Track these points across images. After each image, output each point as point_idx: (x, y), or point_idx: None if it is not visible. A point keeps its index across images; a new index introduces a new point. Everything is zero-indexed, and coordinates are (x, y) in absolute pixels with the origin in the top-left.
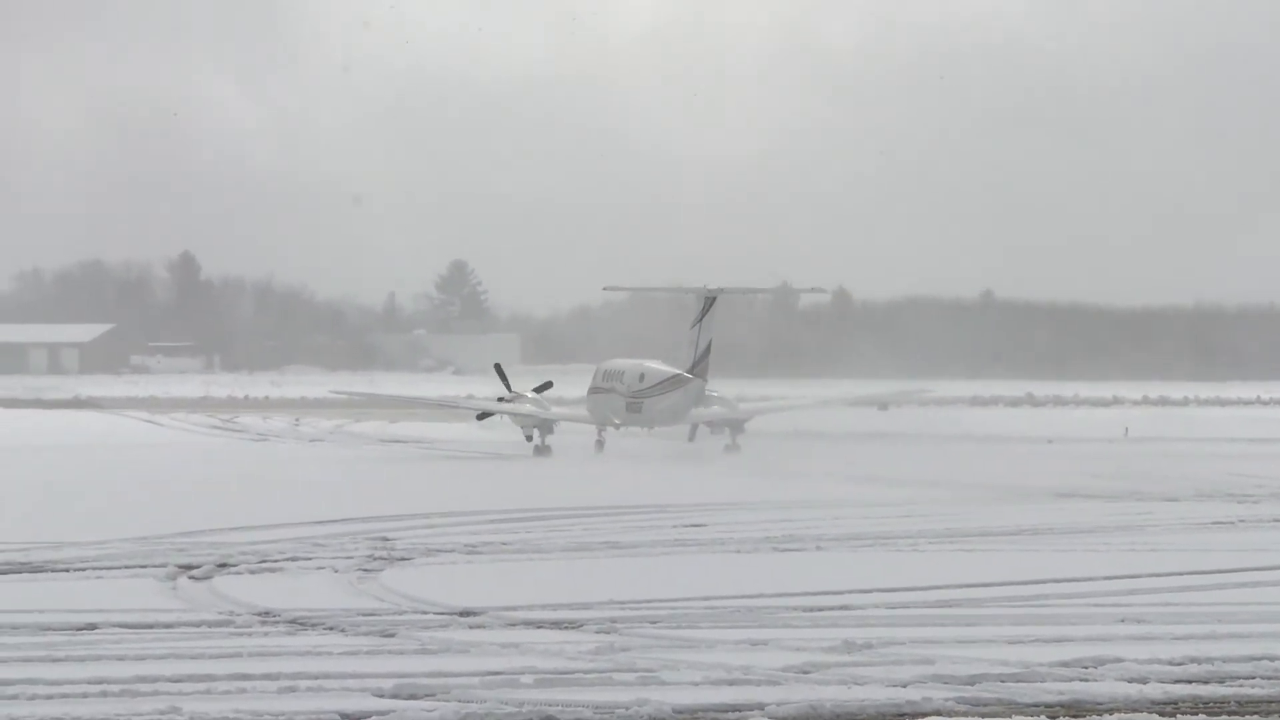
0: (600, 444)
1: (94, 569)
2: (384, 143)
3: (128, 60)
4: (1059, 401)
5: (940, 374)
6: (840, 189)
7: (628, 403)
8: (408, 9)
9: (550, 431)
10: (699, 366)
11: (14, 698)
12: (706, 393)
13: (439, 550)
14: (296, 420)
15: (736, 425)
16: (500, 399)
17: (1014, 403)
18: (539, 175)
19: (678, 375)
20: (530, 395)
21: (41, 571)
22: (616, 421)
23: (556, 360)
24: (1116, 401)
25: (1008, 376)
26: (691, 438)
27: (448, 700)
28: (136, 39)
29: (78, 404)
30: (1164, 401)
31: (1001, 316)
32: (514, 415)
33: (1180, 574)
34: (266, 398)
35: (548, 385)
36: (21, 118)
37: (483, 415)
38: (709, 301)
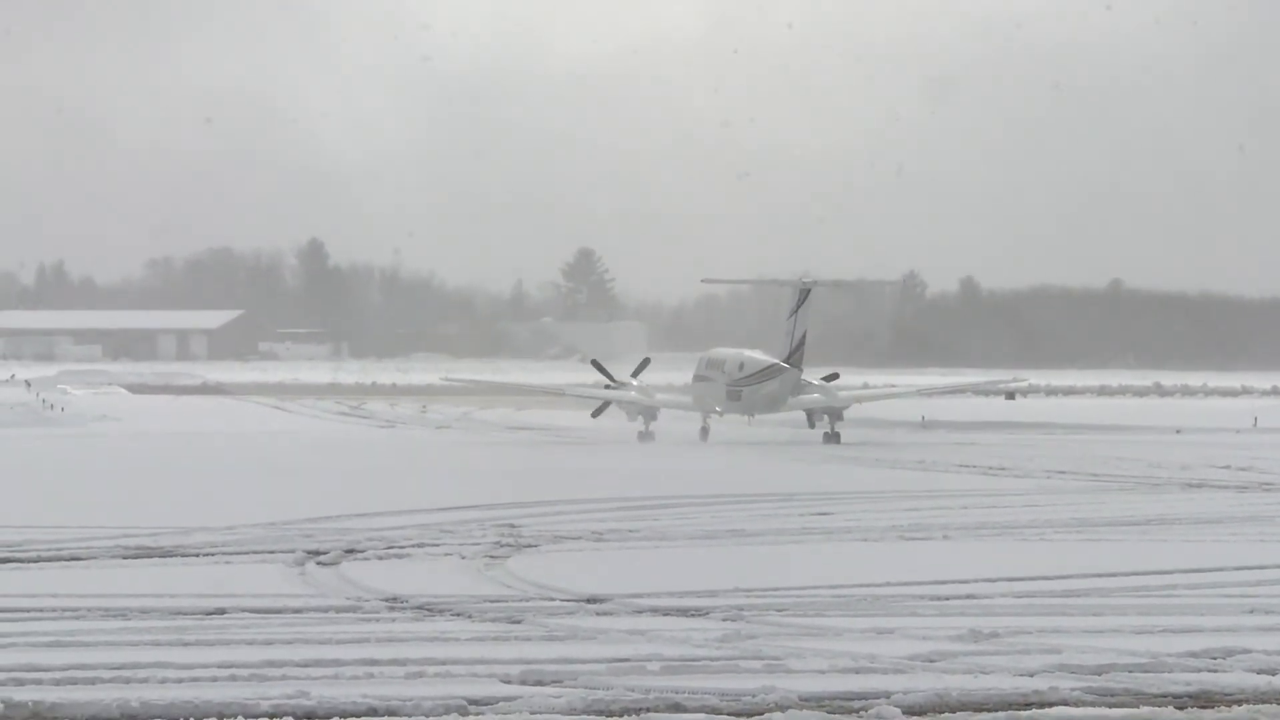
0: (705, 431)
1: (223, 554)
2: (510, 133)
3: (255, 56)
4: (1187, 391)
5: (1068, 363)
6: (969, 180)
7: (728, 391)
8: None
9: (654, 418)
10: (795, 356)
11: (145, 681)
12: (804, 380)
13: (565, 537)
14: (424, 407)
15: (835, 413)
16: (607, 386)
17: (1141, 393)
18: (666, 165)
19: (775, 364)
20: (635, 383)
21: (171, 556)
22: (718, 409)
23: (684, 348)
24: (1245, 391)
25: (1136, 366)
26: (812, 425)
27: (575, 687)
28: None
29: (206, 390)
30: None
31: (1130, 306)
32: (620, 402)
33: None
34: (394, 384)
35: (645, 364)
36: (155, 111)
37: (598, 411)
38: (804, 294)
